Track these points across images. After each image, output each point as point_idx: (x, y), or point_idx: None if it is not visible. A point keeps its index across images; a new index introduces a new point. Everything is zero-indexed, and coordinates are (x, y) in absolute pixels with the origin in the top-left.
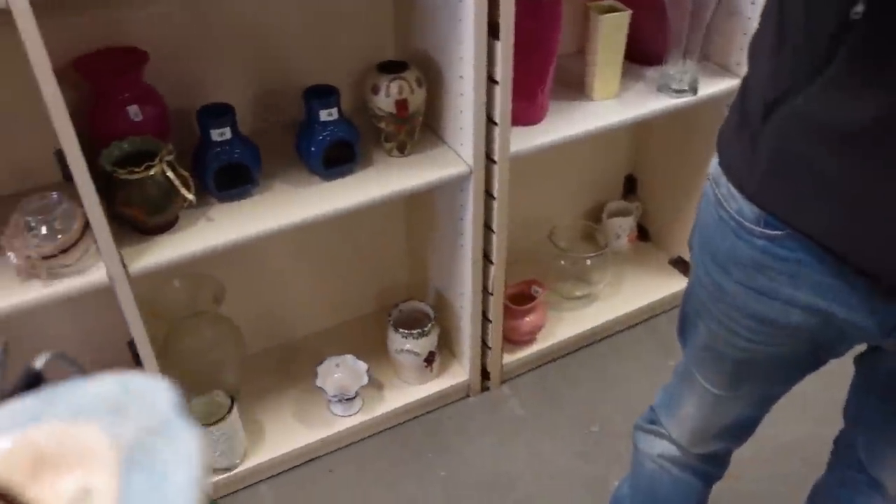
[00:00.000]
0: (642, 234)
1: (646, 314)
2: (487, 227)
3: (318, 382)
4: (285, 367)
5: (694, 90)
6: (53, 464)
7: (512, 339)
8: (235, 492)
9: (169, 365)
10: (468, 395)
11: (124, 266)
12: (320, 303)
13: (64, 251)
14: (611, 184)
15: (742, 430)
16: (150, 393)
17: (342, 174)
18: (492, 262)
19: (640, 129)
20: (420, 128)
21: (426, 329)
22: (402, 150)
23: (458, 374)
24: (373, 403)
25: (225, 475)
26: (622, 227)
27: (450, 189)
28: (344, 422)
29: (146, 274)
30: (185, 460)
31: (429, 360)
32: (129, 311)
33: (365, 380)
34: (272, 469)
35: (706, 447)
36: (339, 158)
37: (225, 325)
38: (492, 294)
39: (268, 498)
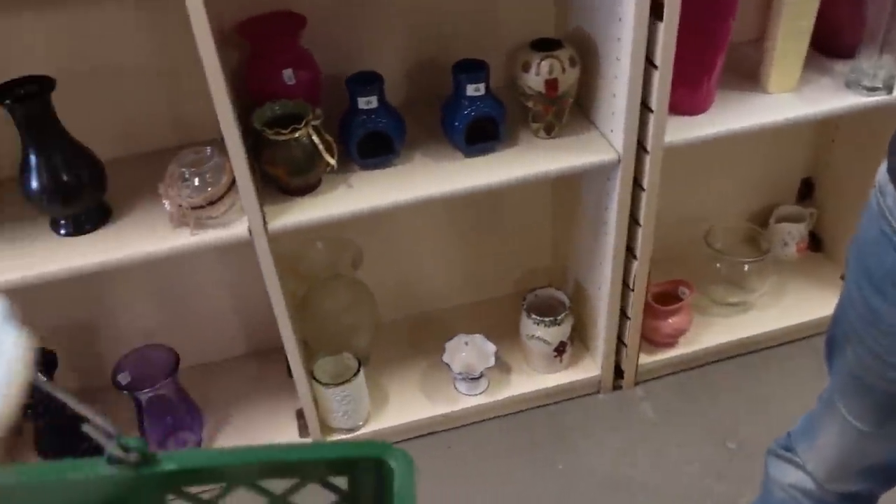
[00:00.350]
0: (814, 243)
1: (806, 331)
2: (634, 220)
3: (445, 358)
4: (415, 339)
5: (889, 88)
6: None
7: (652, 340)
8: None
9: (304, 322)
10: (598, 392)
11: (265, 223)
12: (456, 279)
13: (211, 203)
14: (784, 186)
15: (888, 472)
16: None
17: (484, 151)
18: (635, 257)
19: (823, 129)
20: (570, 110)
21: (559, 318)
22: (550, 132)
23: (590, 368)
24: (498, 386)
25: (347, 435)
26: (791, 234)
27: (597, 176)
28: (467, 400)
29: (284, 232)
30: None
31: (559, 350)
32: (266, 265)
33: (492, 361)
34: (392, 436)
35: (845, 485)
36: (482, 135)
37: (361, 290)
38: (633, 290)
39: None
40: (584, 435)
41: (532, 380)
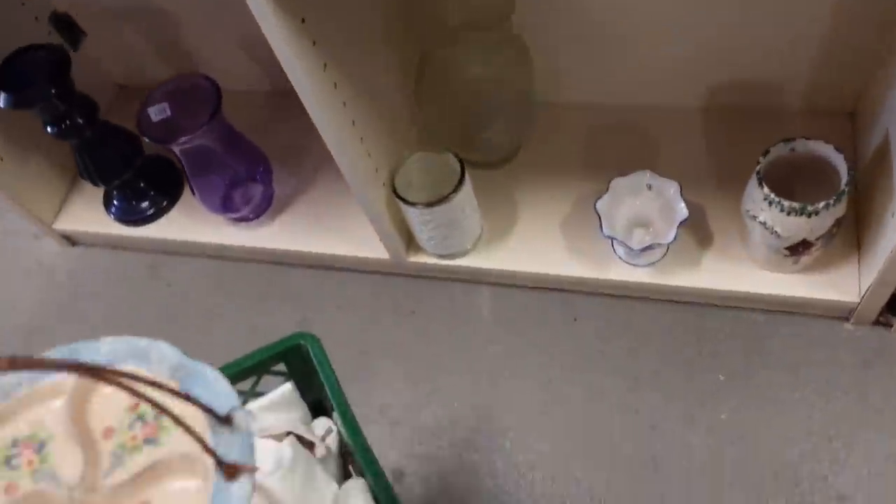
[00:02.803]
0: None
1: None
2: None
3: (603, 205)
4: (572, 151)
5: None
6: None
7: None
8: (451, 280)
9: (420, 97)
10: (847, 319)
11: None
12: (672, 61)
13: None
14: None
15: None
16: (157, 345)
17: None
18: None
19: None
20: None
21: (814, 208)
22: None
23: (845, 288)
24: (676, 263)
25: (438, 260)
26: None
27: None
28: (622, 269)
29: None
30: (215, 374)
31: (797, 250)
32: None
33: (671, 235)
34: (504, 278)
35: None
36: None
37: (514, 50)
38: None
39: (485, 306)
40: (792, 376)
41: (736, 270)
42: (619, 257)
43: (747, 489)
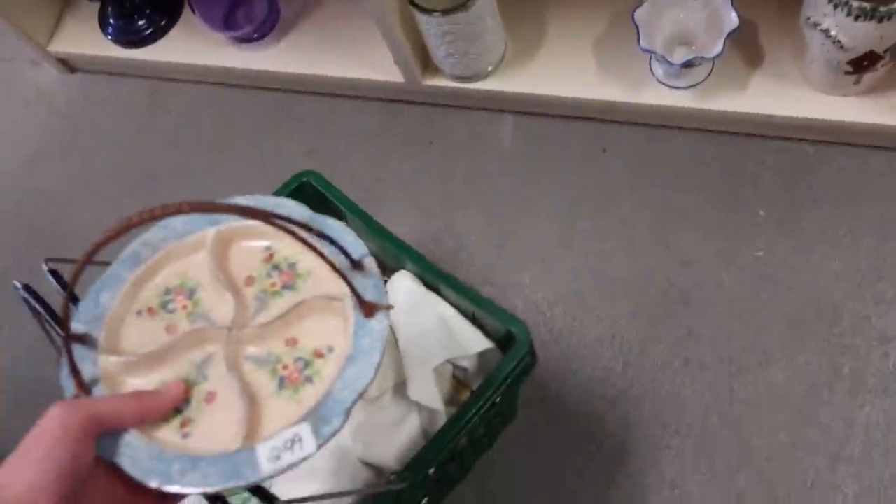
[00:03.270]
0: None
1: None
2: None
3: (642, 15)
4: None
5: None
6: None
7: None
8: (469, 108)
9: None
10: None
11: None
12: None
13: None
14: None
15: None
16: (285, 202)
17: None
18: None
19: None
20: None
21: (884, 10)
22: None
23: None
24: (720, 85)
25: (465, 85)
26: None
27: None
28: (659, 91)
29: None
30: (341, 224)
31: (861, 65)
32: None
33: (718, 47)
34: (528, 105)
35: None
36: None
37: None
38: None
39: (506, 136)
40: (840, 207)
41: (787, 94)
42: (657, 79)
43: (782, 328)
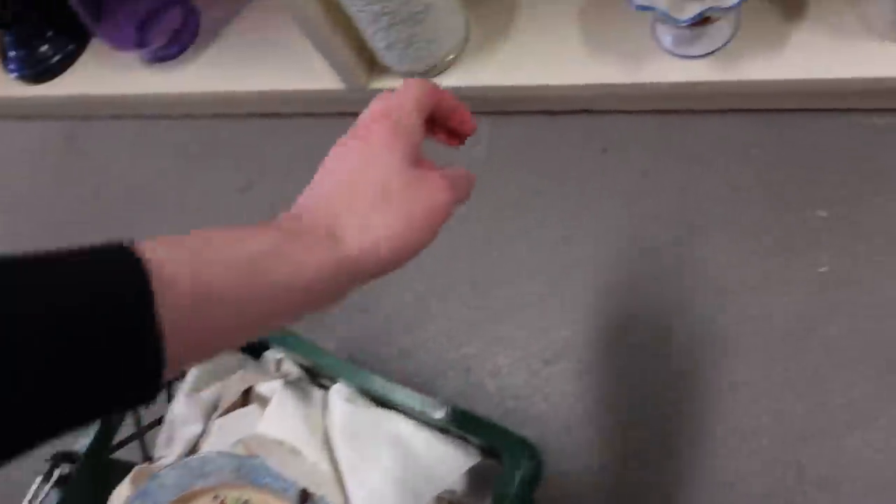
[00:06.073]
0: None
1: None
2: None
3: None
4: None
5: None
6: None
7: None
8: None
9: None
10: None
11: None
12: None
13: None
14: None
15: None
16: (210, 458)
17: None
18: None
19: None
20: None
21: None
22: None
23: None
24: (747, 48)
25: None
26: None
27: None
28: (669, 65)
29: None
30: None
31: None
32: None
33: None
34: (503, 101)
35: None
36: None
37: None
38: None
39: (480, 142)
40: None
41: (843, 50)
42: (665, 48)
43: (866, 372)
